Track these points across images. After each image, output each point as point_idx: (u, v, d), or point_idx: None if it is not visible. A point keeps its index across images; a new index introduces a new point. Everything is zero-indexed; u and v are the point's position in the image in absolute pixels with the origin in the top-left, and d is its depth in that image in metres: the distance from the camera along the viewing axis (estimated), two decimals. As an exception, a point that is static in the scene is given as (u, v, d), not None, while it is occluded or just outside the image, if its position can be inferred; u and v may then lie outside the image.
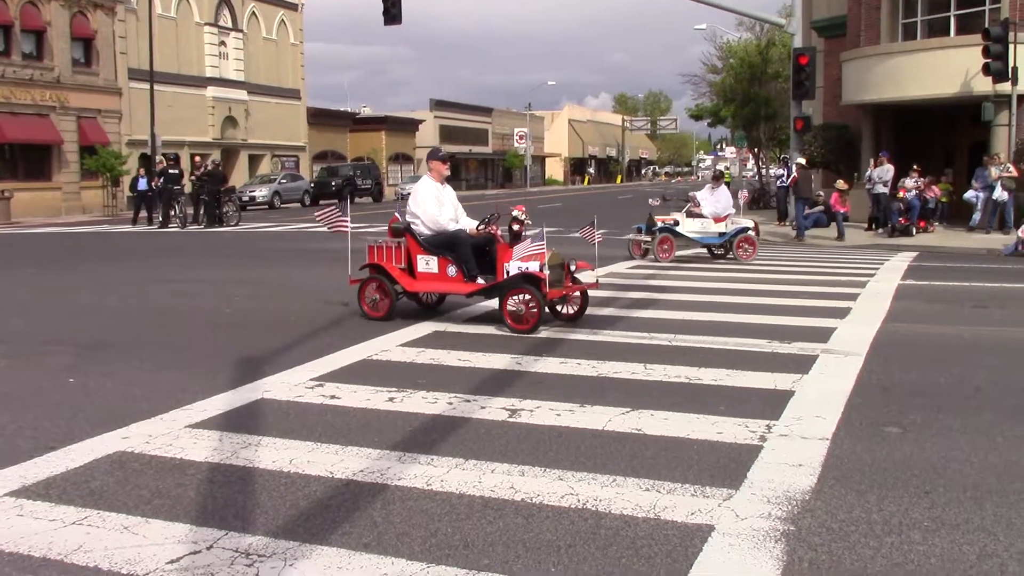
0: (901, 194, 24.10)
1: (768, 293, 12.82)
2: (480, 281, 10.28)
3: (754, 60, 48.56)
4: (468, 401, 6.94)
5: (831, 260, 18.54)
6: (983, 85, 24.00)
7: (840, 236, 23.83)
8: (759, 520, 4.65)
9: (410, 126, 72.10)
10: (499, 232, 10.55)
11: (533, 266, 9.83)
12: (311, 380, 7.64)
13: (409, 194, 12.73)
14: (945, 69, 25.10)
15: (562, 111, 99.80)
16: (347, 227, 11.03)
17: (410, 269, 10.57)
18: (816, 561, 4.21)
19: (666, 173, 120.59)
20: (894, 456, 5.73)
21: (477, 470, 5.39)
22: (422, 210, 10.49)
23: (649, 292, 12.99)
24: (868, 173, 25.88)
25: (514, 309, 9.78)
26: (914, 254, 19.98)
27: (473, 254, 10.36)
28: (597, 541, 4.42)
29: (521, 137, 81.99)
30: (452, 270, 10.37)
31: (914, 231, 23.79)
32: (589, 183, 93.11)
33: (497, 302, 10.11)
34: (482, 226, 10.48)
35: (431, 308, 11.20)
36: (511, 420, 6.46)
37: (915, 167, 24.95)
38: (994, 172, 23.69)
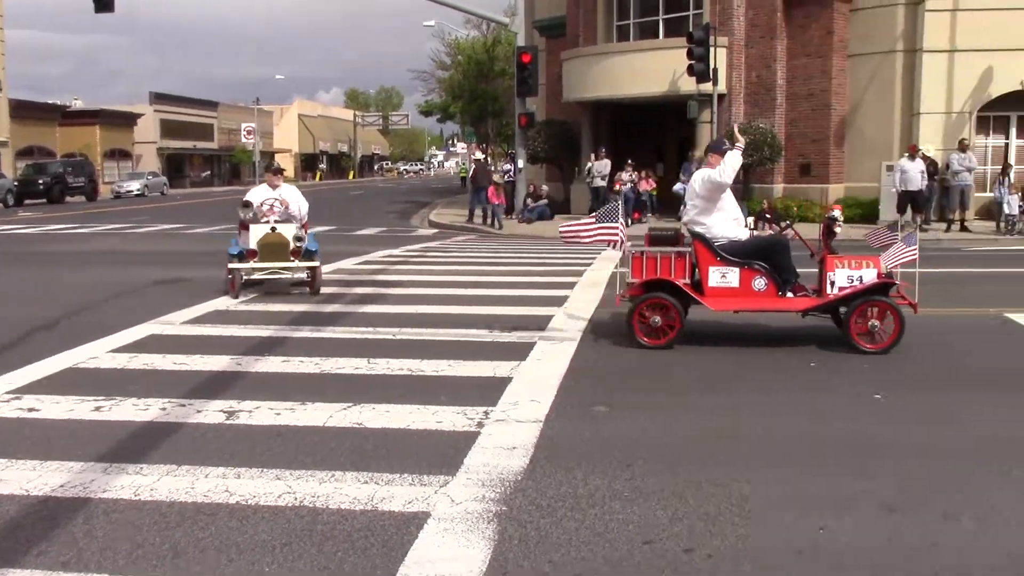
0: (617, 187, 25.51)
1: (492, 284, 13.19)
2: (788, 295, 8.84)
3: (481, 58, 49.83)
4: (183, 406, 6.68)
5: (553, 250, 19.31)
6: (689, 85, 25.73)
7: (499, 226, 26.07)
8: (473, 503, 4.79)
9: (128, 120, 68.10)
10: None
11: (870, 275, 8.64)
12: (7, 393, 7.07)
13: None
14: (655, 69, 26.73)
15: (292, 106, 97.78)
16: (619, 237, 9.23)
17: (694, 284, 9.00)
18: (525, 537, 4.39)
19: (399, 170, 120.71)
20: (601, 433, 6.08)
21: (190, 476, 5.21)
22: (713, 176, 8.78)
23: (375, 287, 13.00)
24: (588, 167, 27.19)
25: (865, 326, 8.50)
26: (629, 243, 21.14)
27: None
28: (313, 537, 4.40)
29: (249, 132, 79.56)
30: (761, 283, 8.76)
31: (630, 222, 25.22)
32: (321, 179, 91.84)
33: (837, 320, 8.92)
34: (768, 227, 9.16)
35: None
36: (229, 422, 6.29)
37: (629, 161, 26.49)
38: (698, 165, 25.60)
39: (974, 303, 11.39)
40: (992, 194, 23.60)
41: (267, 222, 12.36)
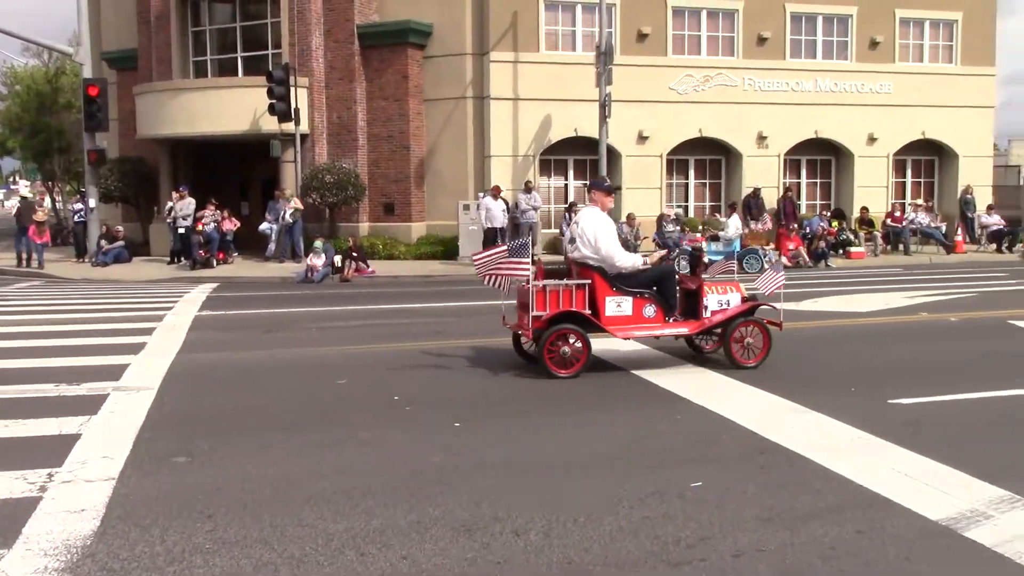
0: (199, 227, 24.68)
1: (59, 334, 12.14)
2: (671, 320, 9.57)
3: (43, 89, 46.06)
4: None
5: (132, 295, 18.22)
6: (271, 124, 25.58)
7: (40, 266, 25.19)
8: (33, 577, 4.35)
9: None
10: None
11: (735, 299, 9.66)
12: None
13: None
14: (236, 107, 26.25)
15: None
16: (525, 272, 9.29)
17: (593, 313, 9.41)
18: (94, 607, 4.06)
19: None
20: (181, 485, 5.80)
21: None
22: (611, 251, 9.35)
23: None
24: (169, 207, 26.01)
25: (741, 344, 9.54)
26: (214, 285, 20.53)
27: None
28: None
29: None
30: (650, 310, 9.47)
31: (215, 263, 24.51)
32: None
33: (713, 341, 10.10)
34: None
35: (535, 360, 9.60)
36: None
37: (213, 200, 25.73)
38: (284, 204, 25.47)
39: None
40: (556, 230, 25.94)
41: None
